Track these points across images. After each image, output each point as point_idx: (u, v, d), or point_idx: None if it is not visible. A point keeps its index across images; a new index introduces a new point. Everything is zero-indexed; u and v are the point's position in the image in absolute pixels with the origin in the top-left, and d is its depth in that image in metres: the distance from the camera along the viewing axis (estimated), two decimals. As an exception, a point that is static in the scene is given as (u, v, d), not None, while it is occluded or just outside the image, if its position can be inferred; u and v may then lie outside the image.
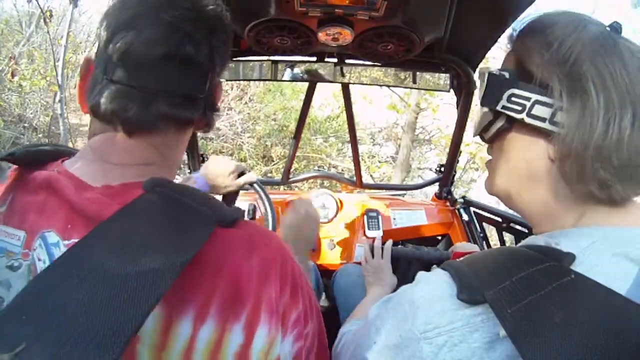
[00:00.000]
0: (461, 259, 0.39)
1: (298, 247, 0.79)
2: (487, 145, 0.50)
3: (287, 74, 1.26)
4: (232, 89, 5.21)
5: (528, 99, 0.40)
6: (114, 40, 0.39)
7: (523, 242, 0.40)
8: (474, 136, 0.49)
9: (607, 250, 0.33)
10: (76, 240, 0.35)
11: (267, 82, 5.07)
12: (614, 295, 0.29)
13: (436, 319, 0.35)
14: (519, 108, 0.41)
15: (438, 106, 4.79)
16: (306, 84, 1.44)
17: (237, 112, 5.15)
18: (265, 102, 5.47)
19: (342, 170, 5.37)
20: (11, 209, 0.40)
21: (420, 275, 0.42)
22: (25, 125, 4.52)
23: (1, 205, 0.40)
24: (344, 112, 1.60)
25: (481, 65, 0.50)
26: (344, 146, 5.75)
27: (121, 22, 0.39)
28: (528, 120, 0.40)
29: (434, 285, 0.38)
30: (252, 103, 5.37)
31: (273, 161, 5.23)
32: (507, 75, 0.43)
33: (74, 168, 0.41)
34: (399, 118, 5.69)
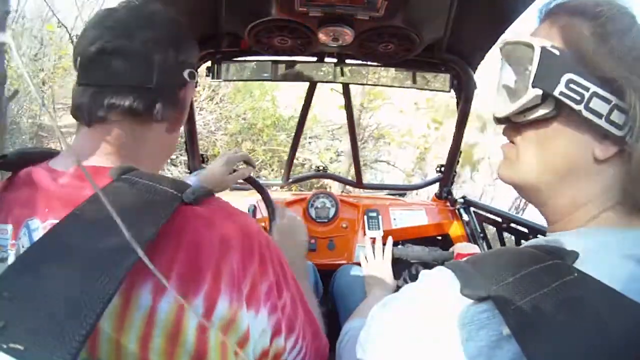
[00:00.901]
0: (464, 259, 0.39)
1: (293, 252, 0.81)
2: (503, 129, 0.45)
3: (288, 74, 1.26)
4: (203, 90, 5.52)
5: (587, 88, 0.36)
6: (74, 50, 0.47)
7: (528, 243, 0.39)
8: (499, 118, 0.44)
9: (616, 251, 0.33)
10: (53, 221, 0.39)
11: (236, 82, 5.32)
12: (617, 294, 0.29)
13: (440, 316, 0.35)
14: (578, 98, 0.36)
15: (380, 106, 5.23)
16: (299, 83, 1.44)
17: (209, 112, 5.49)
18: (236, 102, 5.89)
19: (304, 160, 5.68)
20: (0, 207, 0.44)
21: (424, 273, 0.42)
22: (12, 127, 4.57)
23: None
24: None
25: (520, 37, 0.42)
26: (304, 141, 6.15)
27: (80, 34, 0.47)
28: (585, 113, 0.36)
29: (437, 284, 0.38)
30: (223, 103, 5.73)
31: None
32: (558, 53, 0.38)
33: (54, 162, 0.47)
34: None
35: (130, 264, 0.33)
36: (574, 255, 0.33)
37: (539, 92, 0.38)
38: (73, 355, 0.27)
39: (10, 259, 0.41)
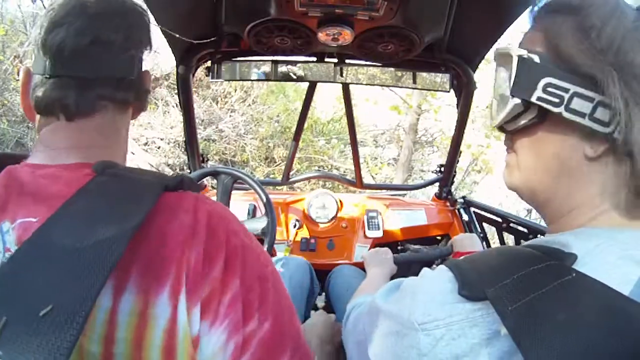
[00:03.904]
0: (462, 257, 0.39)
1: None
2: (502, 140, 0.45)
3: (288, 74, 1.27)
4: (235, 91, 5.23)
5: (566, 90, 0.36)
6: (48, 39, 0.42)
7: (527, 243, 0.39)
8: (495, 127, 0.44)
9: (614, 252, 0.33)
10: (22, 220, 0.38)
11: (270, 83, 5.10)
12: (615, 294, 0.29)
13: (435, 311, 0.35)
14: (557, 100, 0.36)
15: (440, 107, 4.79)
16: (307, 85, 1.44)
17: (240, 114, 5.18)
18: (269, 103, 5.50)
19: (345, 171, 5.31)
20: None
21: (425, 270, 0.42)
22: (30, 125, 4.55)
23: None
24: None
25: (501, 46, 0.43)
26: (346, 148, 5.69)
27: (54, 22, 0.43)
28: (566, 115, 0.36)
29: (436, 280, 0.38)
30: (256, 105, 5.39)
31: (275, 162, 5.23)
32: (537, 59, 0.38)
33: (33, 158, 0.45)
34: (402, 120, 5.70)
35: (116, 258, 0.32)
36: (573, 257, 0.33)
37: (517, 100, 0.38)
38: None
39: None
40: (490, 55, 1.15)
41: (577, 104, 0.35)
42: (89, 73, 0.43)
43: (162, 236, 0.37)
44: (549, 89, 0.36)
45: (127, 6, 0.48)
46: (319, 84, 1.39)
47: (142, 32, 0.49)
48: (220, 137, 5.04)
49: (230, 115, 5.11)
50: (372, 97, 5.06)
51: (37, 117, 0.46)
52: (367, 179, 4.96)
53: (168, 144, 4.82)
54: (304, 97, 1.50)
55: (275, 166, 5.18)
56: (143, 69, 0.51)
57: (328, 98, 5.22)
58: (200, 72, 1.31)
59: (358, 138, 1.64)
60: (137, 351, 0.35)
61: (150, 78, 0.53)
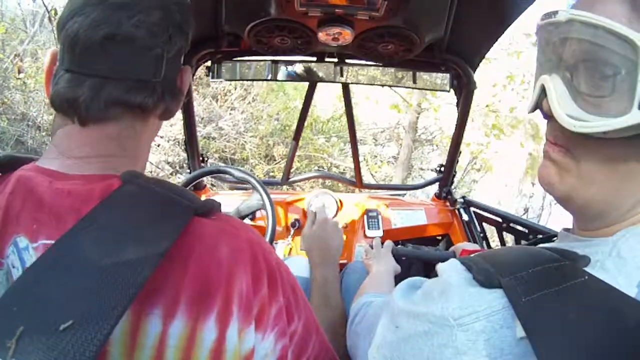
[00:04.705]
0: (472, 255, 0.38)
1: (319, 259, 0.85)
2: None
3: (288, 74, 1.27)
4: (235, 89, 5.27)
5: None
6: (65, 27, 0.39)
7: (543, 245, 0.38)
8: (574, 130, 0.33)
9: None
10: (45, 242, 0.36)
11: (270, 82, 5.13)
12: (626, 298, 0.29)
13: (472, 302, 0.32)
14: None
15: (440, 106, 4.81)
16: (307, 84, 1.44)
17: (240, 112, 5.22)
18: (268, 101, 5.53)
19: (344, 169, 5.35)
20: None
21: (441, 266, 0.39)
22: (29, 123, 4.55)
23: None
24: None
25: (598, 19, 0.29)
26: (346, 146, 5.74)
27: (73, 9, 0.39)
28: None
29: (459, 273, 0.35)
30: (256, 103, 5.41)
31: (275, 160, 5.26)
32: None
33: (49, 162, 0.41)
34: (402, 118, 5.73)
35: (142, 281, 0.32)
36: (586, 260, 0.33)
37: None
38: None
39: (1, 280, 0.37)
40: (494, 53, 1.15)
41: None
42: (103, 71, 0.39)
43: (206, 265, 0.37)
44: None
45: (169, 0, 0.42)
46: (319, 84, 1.39)
47: (174, 28, 0.42)
48: (220, 135, 5.06)
49: (230, 113, 5.15)
50: (373, 95, 5.10)
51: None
52: (366, 177, 5.04)
53: (168, 142, 4.84)
54: (304, 95, 1.50)
55: (275, 164, 5.20)
56: (181, 67, 0.46)
57: (328, 96, 5.25)
58: (200, 70, 1.31)
59: (358, 136, 1.63)
60: None
61: (188, 77, 0.47)
